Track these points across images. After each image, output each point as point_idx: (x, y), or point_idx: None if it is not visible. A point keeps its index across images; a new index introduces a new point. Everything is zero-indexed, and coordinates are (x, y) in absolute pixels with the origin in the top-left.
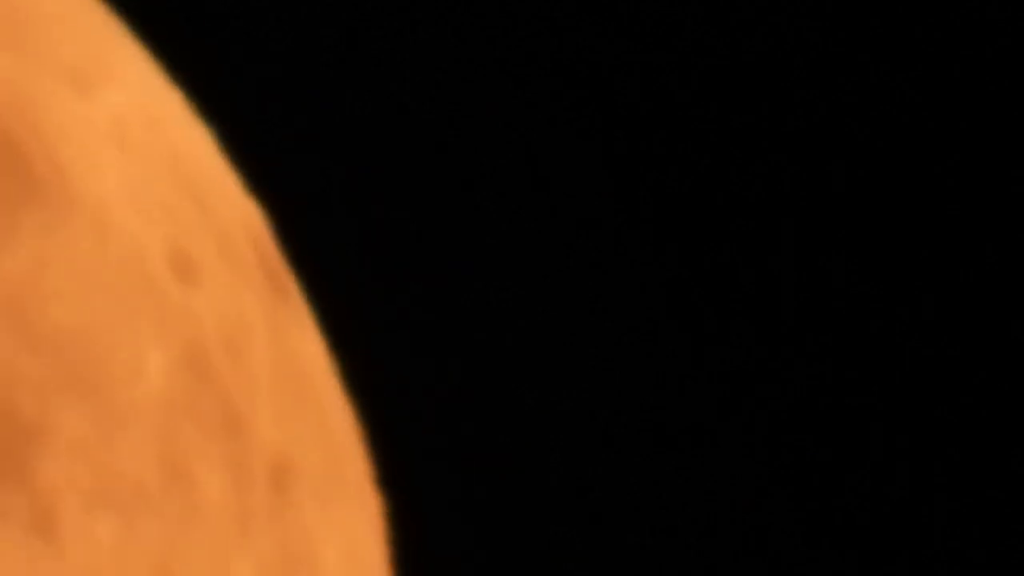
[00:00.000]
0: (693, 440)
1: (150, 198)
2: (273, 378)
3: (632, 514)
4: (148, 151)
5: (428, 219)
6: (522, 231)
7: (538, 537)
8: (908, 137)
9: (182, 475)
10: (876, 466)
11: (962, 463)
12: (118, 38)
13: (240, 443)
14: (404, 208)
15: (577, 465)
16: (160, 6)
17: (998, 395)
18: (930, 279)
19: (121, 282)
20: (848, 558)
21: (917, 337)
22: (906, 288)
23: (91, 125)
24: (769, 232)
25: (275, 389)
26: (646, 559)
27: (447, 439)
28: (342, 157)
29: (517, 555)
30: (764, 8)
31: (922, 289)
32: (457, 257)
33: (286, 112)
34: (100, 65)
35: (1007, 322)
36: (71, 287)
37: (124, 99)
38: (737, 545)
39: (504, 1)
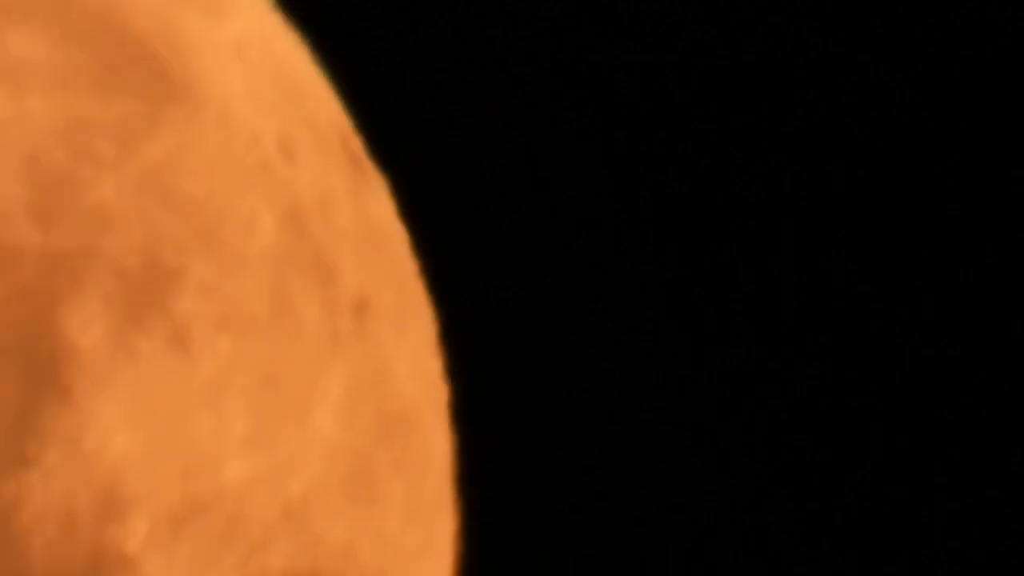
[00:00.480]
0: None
1: (262, 99)
2: (355, 235)
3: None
4: (260, 64)
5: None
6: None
7: (587, 382)
8: (907, 137)
9: (285, 307)
10: (875, 466)
11: (962, 463)
12: None
13: (330, 283)
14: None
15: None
16: None
17: (998, 395)
18: (930, 279)
19: (240, 161)
20: (848, 558)
21: (917, 337)
22: (906, 288)
23: (218, 44)
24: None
25: (357, 243)
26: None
27: (499, 296)
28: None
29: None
30: (764, 8)
31: (922, 289)
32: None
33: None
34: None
35: (1007, 322)
36: (202, 165)
37: (243, 25)
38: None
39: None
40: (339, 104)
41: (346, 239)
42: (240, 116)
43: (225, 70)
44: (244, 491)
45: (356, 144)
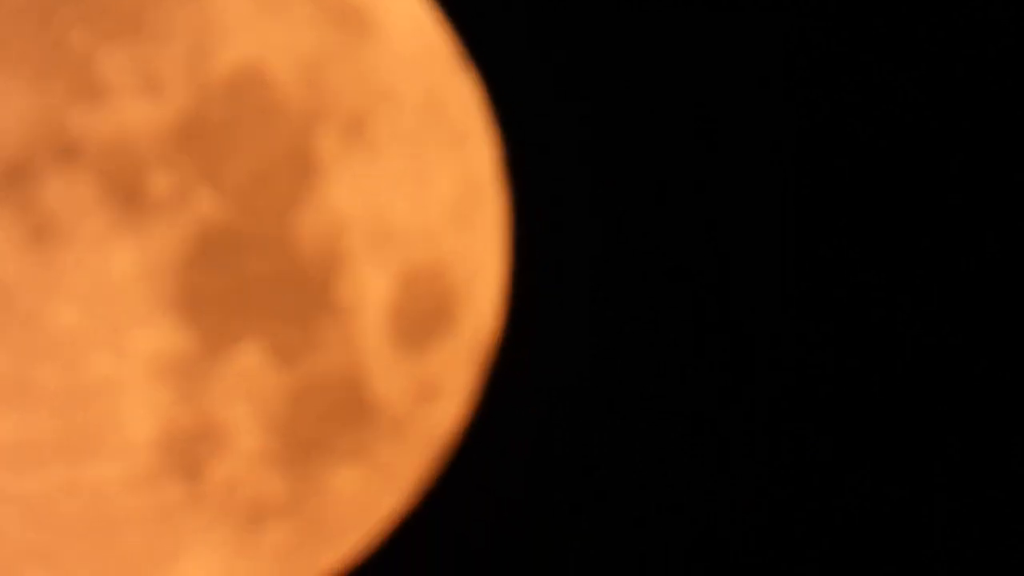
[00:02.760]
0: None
1: (414, 36)
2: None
3: None
4: (415, 20)
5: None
6: None
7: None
8: (908, 137)
9: (434, 130)
10: (876, 465)
11: (962, 463)
12: None
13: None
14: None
15: None
16: None
17: (998, 394)
18: (929, 278)
19: (401, 67)
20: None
21: (916, 336)
22: (906, 287)
23: (391, 7)
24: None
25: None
26: None
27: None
28: None
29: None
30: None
31: (921, 289)
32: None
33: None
34: None
35: (1007, 322)
36: (386, 69)
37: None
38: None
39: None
40: (450, 36)
41: (454, 103)
42: (404, 43)
43: (395, 19)
44: (404, 222)
45: (458, 57)
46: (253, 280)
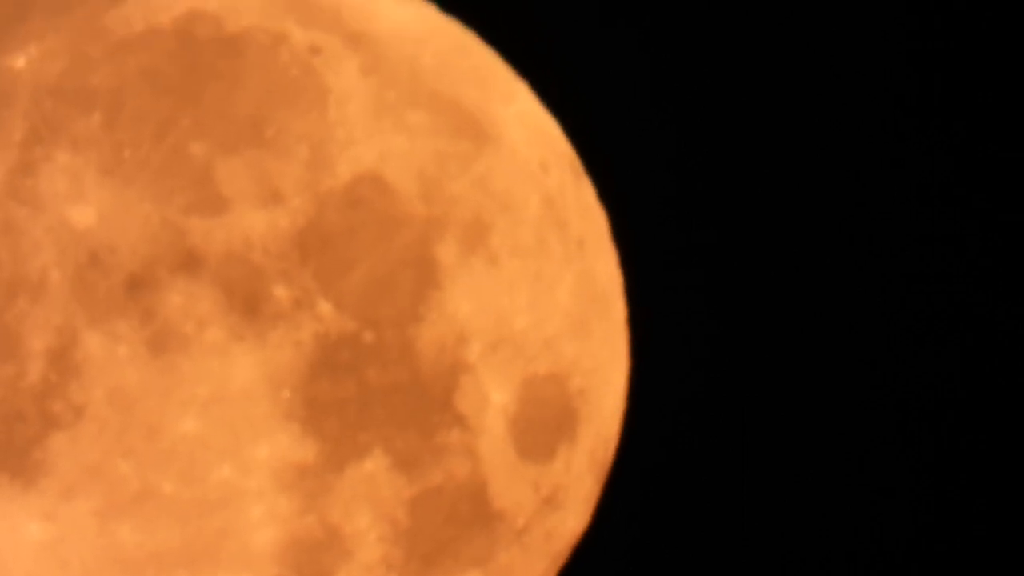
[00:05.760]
0: None
1: (532, 143)
2: (577, 207)
3: None
4: (530, 124)
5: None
6: None
7: None
8: (906, 137)
9: (542, 239)
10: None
11: (963, 462)
12: (508, 74)
13: (564, 230)
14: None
15: None
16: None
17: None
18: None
19: (521, 172)
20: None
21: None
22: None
23: (508, 114)
24: None
25: (578, 211)
26: None
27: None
28: None
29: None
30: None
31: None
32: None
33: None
34: (510, 90)
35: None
36: (503, 173)
37: (521, 106)
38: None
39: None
40: (568, 143)
41: (573, 210)
42: (522, 150)
43: (512, 128)
44: (524, 331)
45: (577, 164)
46: (374, 390)
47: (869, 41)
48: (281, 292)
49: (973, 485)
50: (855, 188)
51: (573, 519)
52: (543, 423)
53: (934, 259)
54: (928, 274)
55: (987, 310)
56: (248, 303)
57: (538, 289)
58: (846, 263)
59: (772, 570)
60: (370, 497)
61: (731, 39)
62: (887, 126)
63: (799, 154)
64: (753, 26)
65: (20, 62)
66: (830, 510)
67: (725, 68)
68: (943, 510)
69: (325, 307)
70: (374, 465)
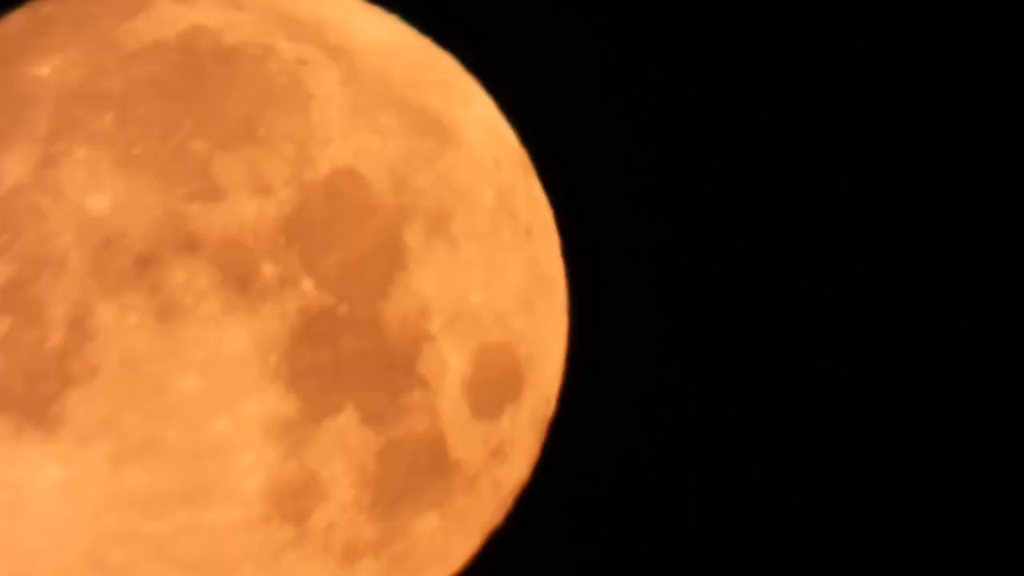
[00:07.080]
0: None
1: (488, 143)
2: (527, 200)
3: None
4: (487, 128)
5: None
6: None
7: None
8: (906, 136)
9: (496, 227)
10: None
11: (961, 462)
12: (469, 83)
13: (516, 219)
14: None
15: None
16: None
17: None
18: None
19: (479, 169)
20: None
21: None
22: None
23: (467, 119)
24: None
25: (528, 203)
26: None
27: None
28: None
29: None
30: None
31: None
32: None
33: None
34: (470, 97)
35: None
36: (463, 169)
37: (480, 111)
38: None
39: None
40: (519, 143)
41: (522, 202)
42: (479, 149)
43: (471, 130)
44: (479, 306)
45: (527, 162)
46: (348, 356)
47: (822, 34)
48: (269, 270)
49: (921, 478)
50: (794, 186)
51: (518, 469)
52: (493, 385)
53: (874, 248)
54: (864, 261)
55: (933, 306)
56: (241, 280)
57: (491, 270)
58: (787, 262)
59: (677, 506)
60: (343, 447)
61: (665, 50)
62: (833, 116)
63: (739, 153)
64: (689, 38)
65: (45, 71)
66: (741, 459)
67: (660, 76)
68: (888, 493)
69: (307, 284)
70: (347, 420)
